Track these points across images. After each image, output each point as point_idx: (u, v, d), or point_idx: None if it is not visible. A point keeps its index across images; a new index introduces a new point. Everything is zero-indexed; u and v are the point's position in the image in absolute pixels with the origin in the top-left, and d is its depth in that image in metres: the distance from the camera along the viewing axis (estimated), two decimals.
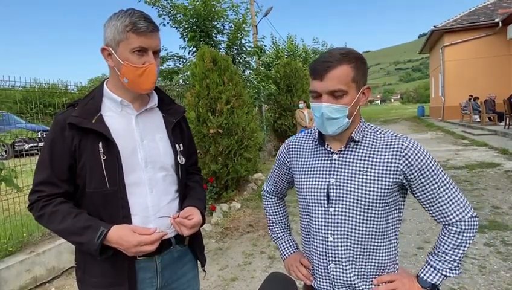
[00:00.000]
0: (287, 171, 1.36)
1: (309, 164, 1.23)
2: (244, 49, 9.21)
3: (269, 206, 1.52)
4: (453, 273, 1.13)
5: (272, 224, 1.52)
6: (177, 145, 1.34)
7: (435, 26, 19.72)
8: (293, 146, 1.31)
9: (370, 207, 1.12)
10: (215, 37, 8.65)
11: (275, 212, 1.51)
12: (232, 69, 6.11)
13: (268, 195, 1.53)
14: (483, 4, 20.16)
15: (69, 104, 1.24)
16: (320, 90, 1.08)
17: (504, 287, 2.84)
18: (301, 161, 1.26)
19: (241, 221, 5.07)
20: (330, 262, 1.17)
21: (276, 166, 1.42)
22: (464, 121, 17.20)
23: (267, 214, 1.53)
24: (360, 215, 1.13)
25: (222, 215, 5.28)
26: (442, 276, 1.13)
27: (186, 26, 8.28)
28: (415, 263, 3.35)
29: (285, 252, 1.44)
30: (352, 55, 1.08)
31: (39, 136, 4.95)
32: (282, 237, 1.48)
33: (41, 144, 4.51)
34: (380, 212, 1.13)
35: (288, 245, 1.45)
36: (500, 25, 16.63)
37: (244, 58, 9.46)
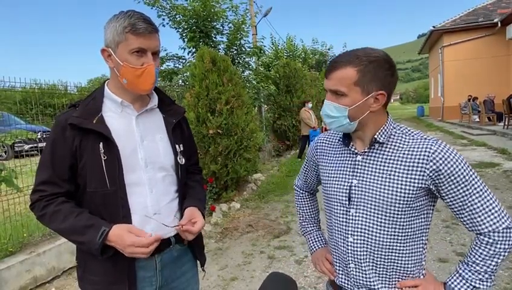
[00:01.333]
0: (315, 168, 1.37)
1: (333, 164, 1.23)
2: (244, 49, 9.22)
3: (300, 200, 1.55)
4: (483, 285, 1.06)
5: (301, 218, 1.54)
6: (177, 146, 1.35)
7: (434, 27, 19.75)
8: (321, 143, 1.32)
9: (392, 211, 1.09)
10: (215, 37, 8.65)
11: (305, 206, 1.53)
12: (232, 69, 6.12)
13: (299, 190, 1.55)
14: (482, 4, 20.20)
15: (71, 104, 1.25)
16: (326, 88, 1.11)
17: (502, 286, 2.86)
18: (327, 160, 1.27)
19: (241, 221, 5.08)
20: (350, 262, 1.17)
21: (306, 161, 1.44)
22: (463, 121, 17.22)
23: (297, 208, 1.56)
24: (381, 218, 1.10)
25: (222, 216, 5.28)
26: (471, 287, 1.07)
27: (186, 26, 8.29)
28: None
29: (312, 246, 1.46)
30: (366, 58, 1.04)
31: (39, 136, 4.95)
32: (311, 231, 1.50)
33: (41, 145, 4.51)
34: (403, 216, 1.09)
35: (315, 240, 1.47)
36: (499, 25, 16.65)
37: (244, 58, 9.47)
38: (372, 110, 1.08)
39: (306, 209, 1.54)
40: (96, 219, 1.16)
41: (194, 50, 8.31)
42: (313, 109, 9.91)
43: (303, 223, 1.54)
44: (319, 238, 1.47)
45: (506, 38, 15.97)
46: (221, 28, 8.69)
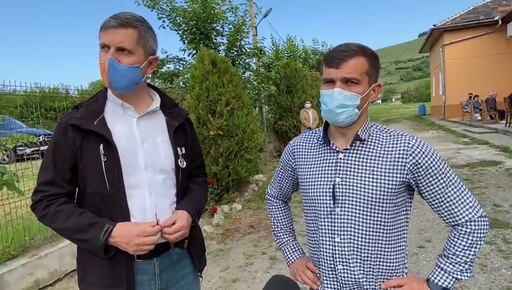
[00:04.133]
0: (292, 173, 1.34)
1: (314, 164, 1.21)
2: (244, 50, 9.23)
3: (273, 210, 1.48)
4: (464, 276, 1.09)
5: (276, 229, 1.48)
6: (178, 149, 1.34)
7: (434, 25, 19.72)
8: (298, 147, 1.29)
9: (377, 207, 1.10)
10: (215, 39, 8.67)
11: (280, 216, 1.47)
12: (232, 70, 6.13)
13: (272, 199, 1.49)
14: (482, 2, 20.15)
15: (74, 106, 1.26)
16: (334, 77, 1.08)
17: (505, 285, 2.84)
18: (306, 161, 1.24)
19: (242, 222, 5.08)
20: (338, 263, 1.15)
21: (281, 168, 1.39)
22: (465, 119, 17.17)
23: (272, 218, 1.49)
24: (366, 215, 1.11)
25: (223, 217, 5.28)
26: (454, 279, 1.10)
27: (186, 28, 8.32)
28: (415, 262, 3.35)
29: (290, 258, 1.41)
30: (368, 50, 1.11)
31: (41, 140, 4.97)
32: (288, 242, 1.45)
33: (42, 148, 4.53)
34: (387, 213, 1.11)
35: (293, 250, 1.42)
36: (500, 23, 16.59)
37: (244, 59, 9.48)
38: (370, 100, 1.15)
39: (281, 219, 1.47)
40: (100, 217, 1.16)
41: (194, 52, 8.34)
42: (315, 108, 9.90)
43: (278, 234, 1.47)
44: (297, 249, 1.43)
45: (507, 36, 15.92)
46: (221, 29, 8.73)
